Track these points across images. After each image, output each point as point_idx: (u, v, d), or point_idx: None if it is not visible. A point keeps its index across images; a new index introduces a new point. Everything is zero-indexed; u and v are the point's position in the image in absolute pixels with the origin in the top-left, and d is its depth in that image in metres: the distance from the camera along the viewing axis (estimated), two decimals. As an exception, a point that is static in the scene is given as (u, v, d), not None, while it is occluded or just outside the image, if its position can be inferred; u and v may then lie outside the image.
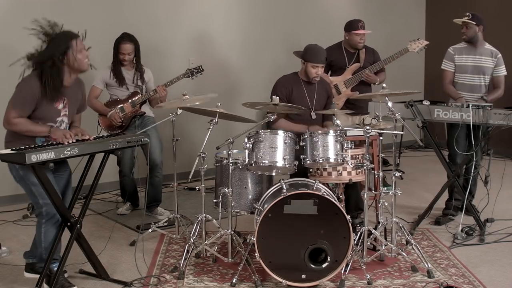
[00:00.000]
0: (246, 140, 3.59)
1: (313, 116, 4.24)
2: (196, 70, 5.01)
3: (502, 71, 4.63)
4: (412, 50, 4.99)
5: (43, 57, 3.16)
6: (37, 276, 3.32)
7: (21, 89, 3.17)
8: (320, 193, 3.38)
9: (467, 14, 4.57)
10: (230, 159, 3.62)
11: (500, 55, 4.63)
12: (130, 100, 4.82)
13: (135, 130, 4.83)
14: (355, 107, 4.96)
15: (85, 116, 5.11)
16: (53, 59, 3.14)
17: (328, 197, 3.38)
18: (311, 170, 3.90)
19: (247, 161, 3.58)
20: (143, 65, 4.92)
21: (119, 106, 4.79)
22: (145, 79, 4.90)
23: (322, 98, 4.33)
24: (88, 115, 4.93)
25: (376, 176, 3.83)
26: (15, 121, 3.17)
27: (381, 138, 3.77)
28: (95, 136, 3.38)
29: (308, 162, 3.61)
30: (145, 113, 4.90)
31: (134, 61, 4.84)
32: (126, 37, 4.79)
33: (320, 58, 4.16)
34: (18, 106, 3.16)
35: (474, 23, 4.53)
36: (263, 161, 3.54)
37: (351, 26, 5.07)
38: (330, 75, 5.20)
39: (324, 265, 3.32)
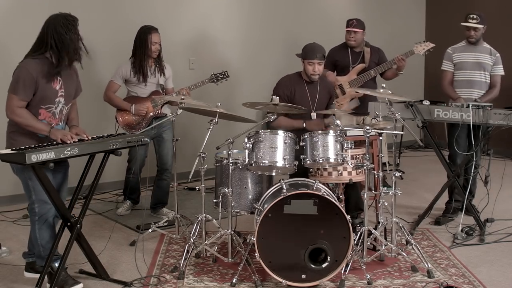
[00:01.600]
0: (246, 140, 3.59)
1: (313, 116, 4.23)
2: (222, 76, 4.97)
3: (500, 70, 4.64)
4: (418, 53, 4.98)
5: (53, 37, 3.18)
6: (37, 275, 3.32)
7: (19, 74, 3.17)
8: (320, 193, 3.37)
9: (474, 16, 4.54)
10: (230, 159, 3.62)
11: (498, 54, 4.63)
12: (152, 100, 4.73)
13: (151, 131, 4.68)
14: (357, 107, 4.97)
15: (103, 112, 5.13)
16: (65, 41, 3.19)
17: (328, 197, 3.38)
18: (311, 170, 3.90)
19: (247, 161, 3.58)
20: (164, 61, 4.83)
21: (141, 104, 4.70)
22: (165, 75, 4.81)
23: (324, 98, 4.32)
24: (107, 112, 4.92)
25: (376, 176, 3.83)
26: (19, 112, 3.18)
27: (381, 138, 3.77)
28: (95, 136, 3.38)
29: (308, 162, 3.61)
30: (166, 115, 4.77)
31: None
32: (152, 27, 4.68)
33: (315, 54, 4.10)
34: (19, 91, 3.15)
35: (483, 26, 4.54)
36: (263, 161, 3.53)
37: (346, 24, 5.11)
38: (336, 75, 5.21)
39: (324, 265, 3.32)
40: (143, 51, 4.64)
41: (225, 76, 4.99)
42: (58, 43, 3.18)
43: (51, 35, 3.18)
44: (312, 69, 4.14)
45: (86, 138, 3.30)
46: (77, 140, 3.22)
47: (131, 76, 4.68)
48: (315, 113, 4.23)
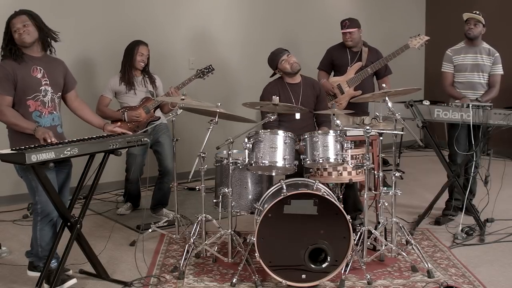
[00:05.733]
0: (246, 140, 3.59)
1: (297, 116, 4.25)
2: (207, 70, 5.03)
3: (499, 70, 4.64)
4: (413, 47, 4.97)
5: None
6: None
7: None
8: (320, 193, 3.37)
9: (477, 12, 4.55)
10: (230, 159, 3.62)
11: (497, 54, 4.63)
12: (143, 106, 4.77)
13: (148, 137, 4.70)
14: (355, 107, 4.96)
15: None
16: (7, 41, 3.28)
17: (328, 197, 3.38)
18: (311, 170, 3.90)
19: (247, 161, 3.58)
20: (152, 73, 4.91)
21: (133, 111, 4.74)
22: (156, 84, 4.87)
23: (309, 97, 4.36)
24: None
25: (376, 176, 3.83)
26: (4, 110, 3.21)
27: (381, 138, 3.76)
28: (96, 136, 3.37)
29: (308, 162, 3.61)
30: (159, 118, 4.83)
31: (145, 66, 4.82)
32: (141, 41, 4.79)
33: (279, 53, 4.29)
34: None
35: (483, 23, 4.54)
36: (263, 161, 3.53)
37: (340, 26, 5.13)
38: (334, 75, 5.21)
39: (324, 265, 3.33)
40: (129, 62, 4.73)
41: (210, 70, 5.04)
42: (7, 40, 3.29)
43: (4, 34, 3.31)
44: (288, 63, 4.25)
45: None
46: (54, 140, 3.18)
47: (120, 85, 4.74)
48: (299, 114, 4.24)
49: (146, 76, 4.83)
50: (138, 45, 4.74)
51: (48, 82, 3.34)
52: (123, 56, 4.80)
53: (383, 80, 5.17)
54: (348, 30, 5.05)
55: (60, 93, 3.45)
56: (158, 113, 4.87)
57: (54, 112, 3.39)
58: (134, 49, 4.72)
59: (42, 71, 3.32)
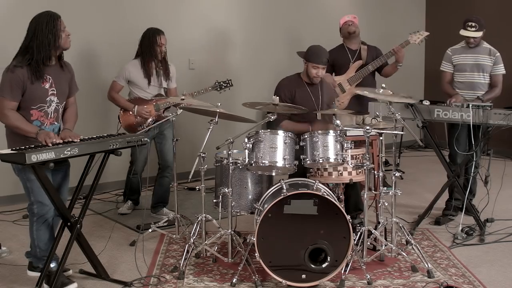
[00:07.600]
0: (246, 140, 3.59)
1: (319, 116, 4.21)
2: (226, 84, 4.96)
3: (500, 70, 4.63)
4: (414, 42, 4.98)
5: (32, 37, 3.20)
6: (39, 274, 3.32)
7: (5, 77, 3.19)
8: (320, 193, 3.37)
9: (472, 24, 4.48)
10: (230, 159, 3.62)
11: (498, 54, 4.63)
12: (154, 104, 4.72)
13: (153, 131, 4.69)
14: (357, 107, 4.96)
15: (104, 112, 5.14)
16: (42, 37, 3.18)
17: (328, 197, 3.38)
18: (311, 170, 3.90)
19: (247, 161, 3.58)
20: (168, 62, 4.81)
21: (143, 106, 4.69)
22: (170, 75, 4.78)
23: (328, 98, 4.31)
24: (108, 112, 4.93)
25: (376, 176, 3.83)
26: (7, 113, 3.18)
27: (381, 138, 3.76)
28: (94, 136, 3.37)
29: (308, 162, 3.61)
30: (167, 118, 4.80)
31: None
32: (160, 30, 4.66)
33: (321, 59, 4.07)
34: (6, 93, 3.17)
35: (482, 32, 4.52)
36: (263, 161, 3.54)
37: (341, 20, 5.18)
38: (334, 75, 5.21)
39: (324, 265, 3.33)
40: (150, 52, 4.61)
41: (229, 84, 4.97)
42: (41, 46, 3.18)
43: (35, 39, 3.19)
44: (316, 72, 4.10)
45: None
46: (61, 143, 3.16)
47: (137, 76, 4.66)
48: (320, 113, 4.20)
49: (163, 68, 4.69)
50: (159, 35, 4.62)
51: (55, 92, 3.32)
52: (140, 45, 4.67)
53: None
54: (351, 18, 5.10)
55: (64, 102, 3.43)
56: (168, 114, 4.81)
57: (56, 123, 3.37)
58: (155, 38, 4.59)
59: (50, 80, 3.28)
